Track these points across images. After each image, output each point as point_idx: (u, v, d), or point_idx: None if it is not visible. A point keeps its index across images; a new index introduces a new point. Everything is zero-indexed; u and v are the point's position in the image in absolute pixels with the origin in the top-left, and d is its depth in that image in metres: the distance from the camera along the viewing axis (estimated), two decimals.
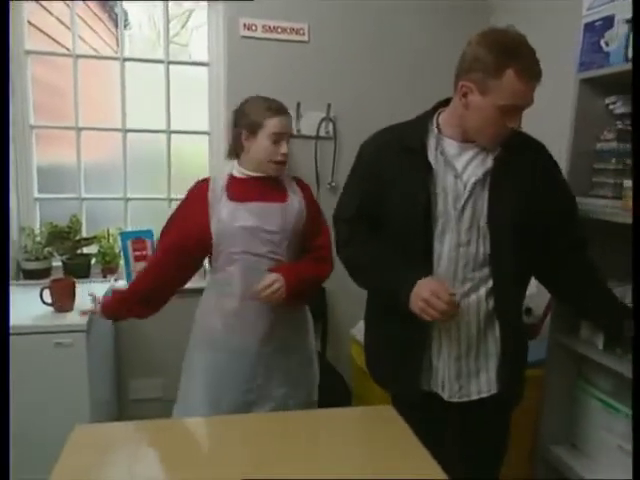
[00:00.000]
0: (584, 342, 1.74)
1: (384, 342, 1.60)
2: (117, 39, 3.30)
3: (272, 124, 1.67)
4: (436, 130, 1.46)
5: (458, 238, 1.42)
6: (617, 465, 1.65)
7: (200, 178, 1.82)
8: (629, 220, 1.52)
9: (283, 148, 1.69)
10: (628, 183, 1.58)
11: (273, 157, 1.69)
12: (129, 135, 2.73)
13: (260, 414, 1.66)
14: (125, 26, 2.77)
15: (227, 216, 1.69)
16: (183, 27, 3.44)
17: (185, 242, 1.72)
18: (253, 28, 2.60)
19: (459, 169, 1.42)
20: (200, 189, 1.75)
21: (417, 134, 1.47)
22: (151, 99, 2.82)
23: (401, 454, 1.25)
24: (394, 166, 1.47)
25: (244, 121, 1.70)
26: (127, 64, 2.68)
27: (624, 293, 1.68)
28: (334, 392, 2.37)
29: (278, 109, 1.70)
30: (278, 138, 1.68)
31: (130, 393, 2.73)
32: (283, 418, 1.47)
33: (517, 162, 1.41)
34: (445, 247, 1.43)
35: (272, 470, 1.15)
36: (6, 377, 1.26)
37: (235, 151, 1.76)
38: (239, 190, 1.72)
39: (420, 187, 1.41)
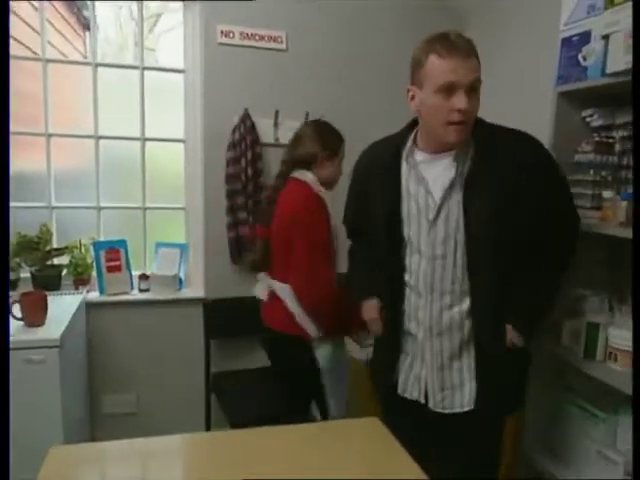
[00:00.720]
0: (564, 349, 1.77)
1: (377, 346, 1.68)
2: (84, 42, 3.24)
3: (343, 151, 1.95)
4: (412, 144, 1.46)
5: (433, 251, 1.43)
6: (596, 471, 1.68)
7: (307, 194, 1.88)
8: (607, 230, 1.57)
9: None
10: (607, 194, 1.63)
11: (338, 177, 1.95)
12: (101, 141, 2.65)
13: (244, 430, 1.63)
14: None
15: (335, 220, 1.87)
16: (150, 31, 3.40)
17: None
18: (230, 35, 2.57)
19: (430, 183, 1.42)
20: (320, 197, 1.85)
21: (395, 149, 1.48)
22: (120, 104, 2.75)
23: (387, 463, 1.27)
24: (374, 182, 1.53)
25: (329, 146, 1.90)
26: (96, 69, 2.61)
27: (601, 302, 1.73)
28: None
29: (343, 137, 1.97)
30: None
31: (103, 408, 2.64)
32: (269, 433, 1.44)
33: (492, 161, 1.36)
34: (422, 261, 1.45)
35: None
36: (6, 380, 1.25)
37: (307, 165, 1.90)
38: None
39: (390, 205, 1.46)
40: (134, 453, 1.35)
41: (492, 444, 1.54)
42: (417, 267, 1.46)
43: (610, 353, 1.61)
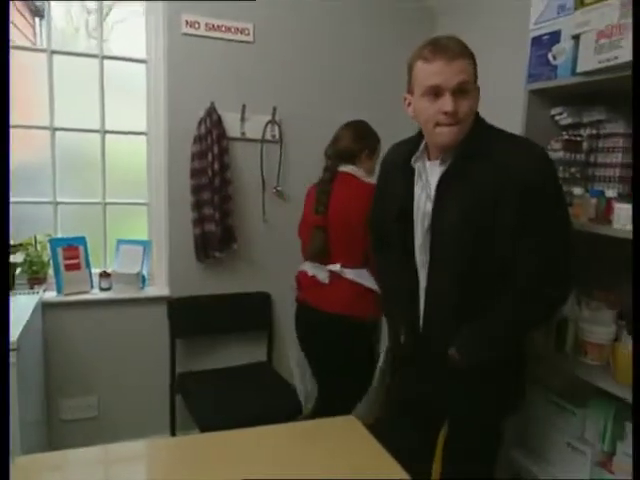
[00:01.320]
0: (537, 344, 1.79)
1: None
2: (34, 31, 3.06)
3: (379, 150, 2.10)
4: (424, 148, 1.45)
5: (425, 256, 1.43)
6: (568, 463, 1.72)
7: None
8: (577, 227, 1.59)
9: None
10: (577, 191, 1.66)
11: (373, 173, 2.06)
12: (58, 134, 2.52)
13: (214, 433, 1.58)
14: (42, 17, 2.55)
15: None
16: (104, 21, 3.27)
17: None
18: (196, 25, 2.48)
19: (433, 188, 1.40)
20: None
21: (407, 154, 1.47)
22: (76, 95, 2.61)
23: (369, 462, 1.26)
24: (391, 185, 1.54)
25: (369, 145, 2.09)
26: (45, 57, 2.46)
27: (572, 300, 1.76)
28: (284, 400, 2.31)
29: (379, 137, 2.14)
30: None
31: (62, 412, 2.52)
32: (243, 434, 1.40)
33: (470, 164, 1.33)
34: (419, 266, 1.46)
35: None
36: (6, 381, 1.23)
37: (350, 160, 2.07)
38: None
39: (396, 211, 1.48)
40: (100, 461, 1.30)
41: (489, 445, 1.56)
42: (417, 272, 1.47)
43: (580, 347, 1.64)
